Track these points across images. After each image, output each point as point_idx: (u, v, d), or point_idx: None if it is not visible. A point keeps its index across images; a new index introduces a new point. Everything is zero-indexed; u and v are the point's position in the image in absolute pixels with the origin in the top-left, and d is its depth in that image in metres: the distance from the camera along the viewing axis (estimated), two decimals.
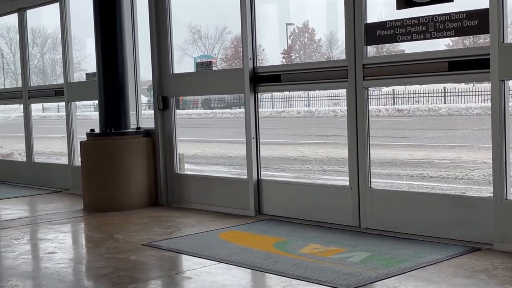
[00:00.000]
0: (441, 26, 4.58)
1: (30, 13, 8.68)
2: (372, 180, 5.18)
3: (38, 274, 4.33)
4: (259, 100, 6.03)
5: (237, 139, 15.29)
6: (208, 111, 28.24)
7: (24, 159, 9.19)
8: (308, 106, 26.37)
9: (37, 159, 8.99)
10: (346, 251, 4.46)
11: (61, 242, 5.22)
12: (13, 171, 9.07)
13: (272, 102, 27.76)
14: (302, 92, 26.52)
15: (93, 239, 5.36)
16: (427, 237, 4.72)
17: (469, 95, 21.96)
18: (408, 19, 4.74)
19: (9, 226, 5.90)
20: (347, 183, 5.30)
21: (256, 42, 5.94)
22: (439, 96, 23.52)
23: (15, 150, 12.01)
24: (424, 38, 4.69)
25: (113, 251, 4.78)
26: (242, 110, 6.47)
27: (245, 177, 6.05)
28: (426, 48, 4.94)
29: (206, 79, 6.44)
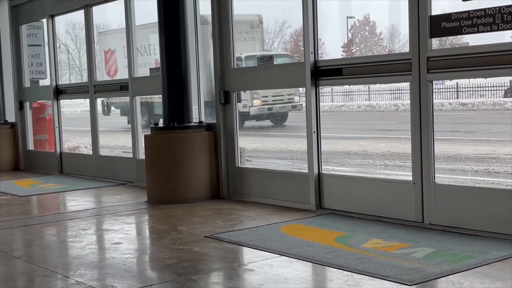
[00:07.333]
0: (509, 18, 4.46)
1: (95, 10, 8.88)
2: (436, 175, 5.10)
3: (105, 264, 4.46)
4: (320, 94, 6.02)
5: (296, 133, 15.28)
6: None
7: (90, 152, 9.44)
8: (369, 100, 26.08)
9: (102, 152, 9.22)
10: (409, 247, 4.41)
11: (126, 233, 5.36)
12: (79, 164, 9.32)
13: (332, 96, 27.58)
14: (362, 86, 26.24)
15: (157, 230, 5.48)
16: (493, 234, 4.61)
17: None
18: (474, 10, 4.63)
19: (76, 217, 6.09)
20: (410, 178, 5.22)
21: (317, 35, 5.92)
22: (504, 90, 22.83)
23: (81, 143, 12.37)
24: (491, 30, 4.57)
25: (176, 242, 4.87)
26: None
27: (306, 171, 6.05)
28: (490, 41, 4.81)
29: (267, 73, 6.46)
